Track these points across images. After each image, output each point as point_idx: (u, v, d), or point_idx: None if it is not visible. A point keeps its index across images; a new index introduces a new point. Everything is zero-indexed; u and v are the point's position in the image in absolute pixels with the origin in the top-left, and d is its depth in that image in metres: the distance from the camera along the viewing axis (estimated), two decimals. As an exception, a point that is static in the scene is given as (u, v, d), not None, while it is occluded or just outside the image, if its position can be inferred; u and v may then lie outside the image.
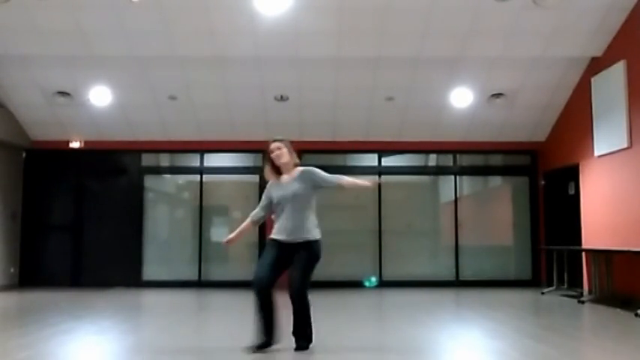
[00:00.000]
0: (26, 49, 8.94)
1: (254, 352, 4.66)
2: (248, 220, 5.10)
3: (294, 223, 4.80)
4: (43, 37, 8.62)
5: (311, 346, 4.80)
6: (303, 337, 4.79)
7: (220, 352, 4.99)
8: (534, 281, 10.98)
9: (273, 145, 5.04)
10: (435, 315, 7.34)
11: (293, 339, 4.81)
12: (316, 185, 4.94)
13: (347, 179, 5.03)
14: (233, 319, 7.19)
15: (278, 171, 5.02)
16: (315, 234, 4.85)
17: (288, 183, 4.92)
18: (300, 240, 4.79)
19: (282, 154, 4.99)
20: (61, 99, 10.07)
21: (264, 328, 4.74)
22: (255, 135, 10.96)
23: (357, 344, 5.25)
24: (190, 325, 6.80)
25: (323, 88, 9.91)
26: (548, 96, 10.08)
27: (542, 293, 9.56)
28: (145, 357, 4.82)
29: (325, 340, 5.05)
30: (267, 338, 4.73)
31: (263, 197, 5.07)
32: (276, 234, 4.89)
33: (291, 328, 4.81)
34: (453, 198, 11.32)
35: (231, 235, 5.09)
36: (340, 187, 5.07)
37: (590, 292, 8.98)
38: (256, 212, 5.07)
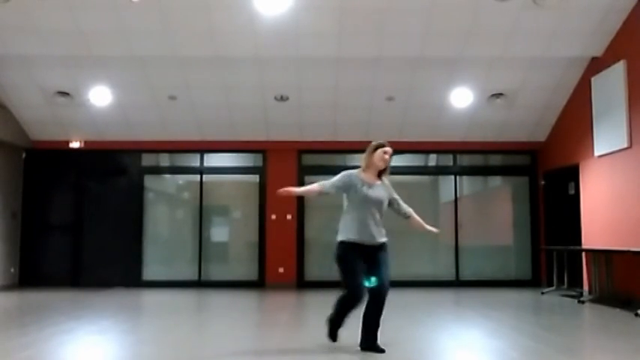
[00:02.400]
0: (26, 49, 8.94)
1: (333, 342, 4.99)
2: (318, 187, 4.98)
3: (377, 226, 4.86)
4: (43, 37, 8.62)
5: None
6: (375, 335, 4.85)
7: (220, 352, 4.99)
8: (534, 281, 10.98)
9: (388, 150, 4.99)
10: (435, 315, 7.34)
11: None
12: (390, 202, 5.02)
13: (416, 216, 5.12)
14: (233, 319, 7.19)
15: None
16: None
17: (377, 186, 4.93)
18: (381, 242, 4.89)
19: (388, 163, 4.99)
20: (61, 99, 10.07)
21: (338, 327, 4.99)
22: (255, 135, 10.98)
23: (358, 345, 5.24)
24: (190, 325, 6.80)
25: (323, 88, 9.91)
26: (548, 96, 10.08)
27: (542, 293, 9.56)
28: (144, 357, 4.82)
29: (327, 342, 5.05)
30: (336, 335, 5.03)
31: (340, 179, 4.92)
32: (358, 237, 4.82)
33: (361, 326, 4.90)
34: (453, 198, 11.33)
35: (293, 189, 5.04)
36: (406, 219, 5.13)
37: (590, 292, 8.98)
38: (328, 186, 4.96)
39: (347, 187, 4.89)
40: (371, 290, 4.79)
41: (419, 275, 11.06)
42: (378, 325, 4.85)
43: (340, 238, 4.88)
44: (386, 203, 4.96)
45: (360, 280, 4.78)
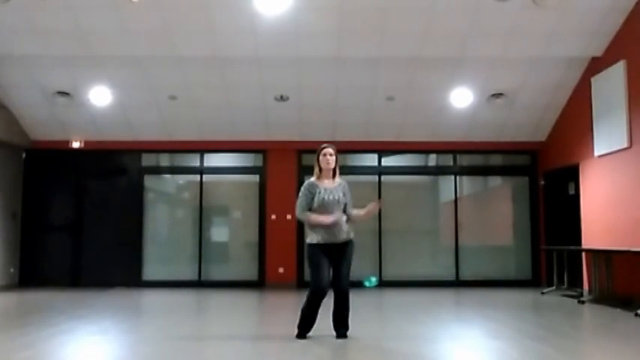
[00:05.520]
0: (26, 49, 8.94)
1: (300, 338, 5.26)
2: (310, 214, 5.36)
3: (338, 225, 5.30)
4: (43, 37, 8.62)
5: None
6: (344, 326, 5.33)
7: (220, 352, 4.99)
8: (534, 281, 10.98)
9: (327, 150, 5.41)
10: (435, 315, 7.34)
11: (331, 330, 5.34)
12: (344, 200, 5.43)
13: (356, 212, 5.50)
14: (233, 319, 7.19)
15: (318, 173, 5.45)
16: (352, 233, 5.43)
17: (332, 188, 5.35)
18: (344, 240, 5.34)
19: (333, 161, 5.39)
20: (61, 99, 10.07)
21: (310, 323, 5.30)
22: (255, 135, 10.98)
23: (358, 345, 5.25)
24: (190, 325, 6.80)
25: (323, 88, 9.91)
26: (548, 96, 10.08)
27: (542, 293, 9.56)
28: (144, 357, 4.83)
29: (328, 341, 5.05)
30: (307, 331, 5.32)
31: (303, 197, 5.36)
32: (320, 237, 5.27)
33: (331, 320, 5.35)
34: (453, 198, 11.33)
35: (324, 218, 5.26)
36: (350, 221, 5.50)
37: (590, 292, 8.98)
38: (302, 212, 5.40)
39: (311, 198, 5.32)
40: (332, 286, 5.24)
41: (419, 275, 11.06)
42: (345, 320, 5.32)
43: (308, 240, 5.36)
44: (343, 201, 5.36)
45: (323, 277, 5.18)
